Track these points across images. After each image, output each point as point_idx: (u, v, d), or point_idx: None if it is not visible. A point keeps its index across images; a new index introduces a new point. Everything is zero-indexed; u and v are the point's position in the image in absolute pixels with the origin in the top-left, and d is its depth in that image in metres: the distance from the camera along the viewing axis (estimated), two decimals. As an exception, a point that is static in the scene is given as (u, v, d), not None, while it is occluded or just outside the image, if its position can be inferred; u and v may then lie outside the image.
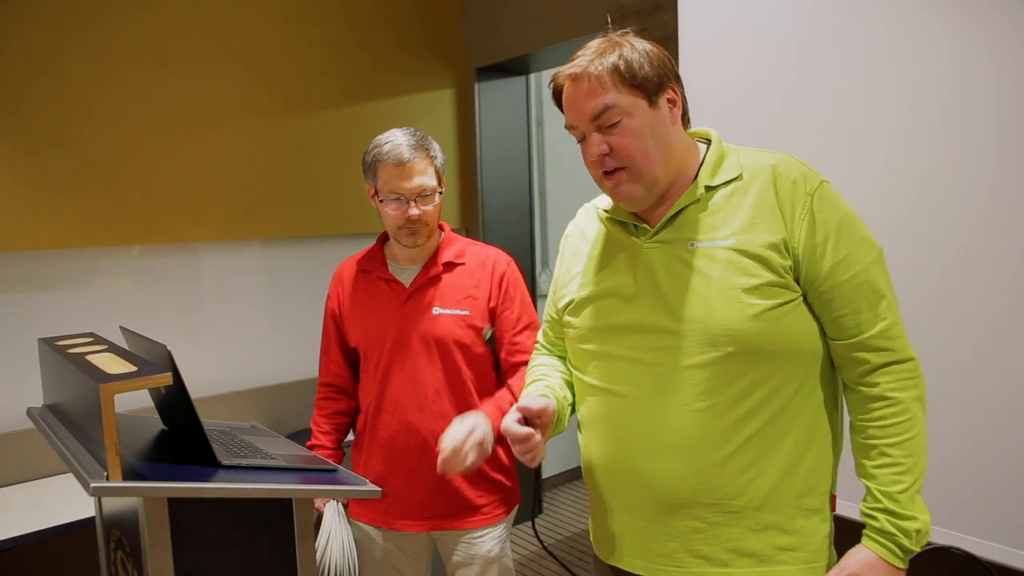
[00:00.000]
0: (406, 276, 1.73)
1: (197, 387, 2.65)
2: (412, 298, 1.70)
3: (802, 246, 1.09)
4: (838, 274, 1.09)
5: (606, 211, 1.28)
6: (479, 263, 1.74)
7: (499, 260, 1.76)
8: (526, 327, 1.74)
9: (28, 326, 2.32)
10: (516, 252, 3.74)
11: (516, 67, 3.30)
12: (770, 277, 1.09)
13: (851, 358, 1.13)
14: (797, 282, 1.11)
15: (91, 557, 1.92)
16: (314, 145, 2.86)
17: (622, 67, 1.11)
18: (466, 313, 1.69)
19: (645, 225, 1.20)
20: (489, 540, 1.75)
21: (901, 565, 1.09)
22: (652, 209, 1.19)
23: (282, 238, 2.87)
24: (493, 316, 1.72)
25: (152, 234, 2.51)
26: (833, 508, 1.19)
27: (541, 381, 1.36)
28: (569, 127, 1.18)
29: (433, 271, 1.71)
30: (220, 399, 2.71)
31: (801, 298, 1.11)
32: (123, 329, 1.43)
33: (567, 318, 1.29)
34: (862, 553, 1.09)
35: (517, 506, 1.82)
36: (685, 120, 1.20)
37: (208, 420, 1.66)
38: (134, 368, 1.12)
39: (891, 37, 1.65)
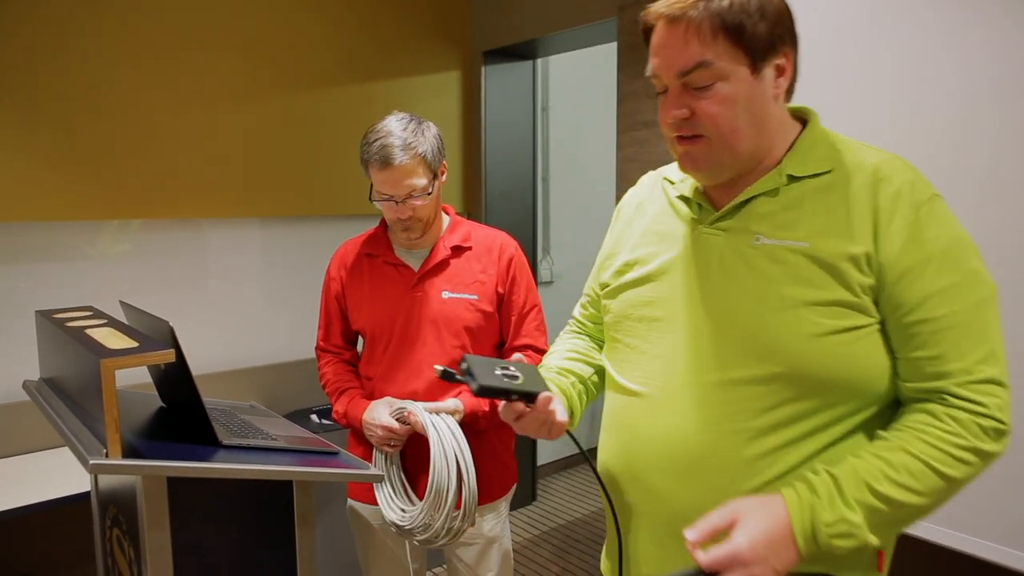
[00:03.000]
0: (413, 260, 1.71)
1: (194, 364, 2.57)
2: (421, 282, 1.68)
3: (892, 264, 0.90)
4: (932, 307, 0.90)
5: (671, 182, 1.11)
6: (486, 247, 1.72)
7: (506, 244, 1.74)
8: (530, 311, 1.74)
9: (24, 298, 2.29)
10: (518, 238, 3.66)
11: (523, 51, 3.26)
12: (841, 294, 0.91)
13: (921, 403, 0.92)
14: (877, 306, 0.92)
15: (85, 532, 1.91)
16: (316, 125, 2.83)
17: (730, 18, 0.91)
18: (475, 297, 1.67)
19: (710, 207, 1.03)
20: (489, 520, 1.74)
21: (800, 544, 0.85)
22: (723, 188, 1.02)
23: (282, 217, 2.84)
24: (500, 300, 1.70)
25: (152, 209, 2.48)
26: (880, 567, 0.98)
27: (565, 377, 1.22)
28: (651, 75, 0.99)
29: (441, 255, 1.69)
30: (218, 377, 2.68)
31: (877, 326, 0.92)
32: (123, 304, 1.40)
33: (605, 301, 1.15)
34: (765, 500, 0.87)
35: (515, 485, 1.81)
36: (789, 92, 1.00)
37: (208, 399, 1.64)
38: (136, 344, 1.10)
39: (894, 37, 1.62)
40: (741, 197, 0.99)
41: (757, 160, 0.99)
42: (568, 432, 1.08)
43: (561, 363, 1.24)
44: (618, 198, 2.57)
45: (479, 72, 3.26)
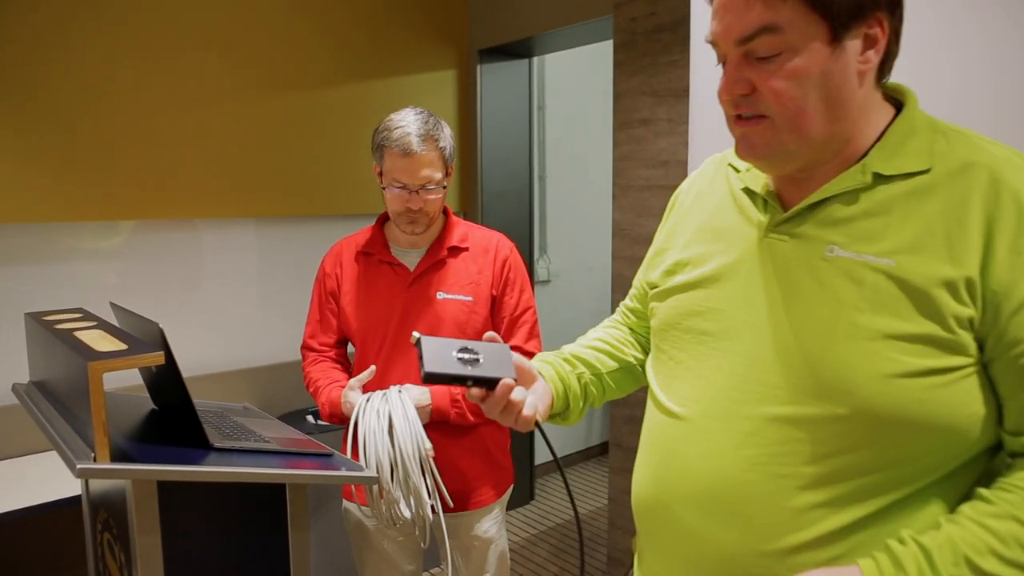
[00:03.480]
0: (410, 259, 1.69)
1: (188, 366, 2.59)
2: (417, 282, 1.67)
3: (1008, 292, 0.73)
4: None
5: (737, 170, 0.95)
6: (482, 248, 1.71)
7: (501, 245, 1.73)
8: (522, 314, 1.72)
9: (19, 300, 2.28)
10: (515, 237, 3.65)
11: (519, 50, 3.24)
12: (930, 328, 0.75)
13: None
14: (980, 346, 0.76)
15: (77, 536, 1.89)
16: (311, 125, 2.81)
17: None
18: (469, 299, 1.66)
19: (778, 206, 0.88)
20: (485, 522, 1.73)
21: None
22: (796, 184, 0.87)
23: (277, 217, 2.82)
24: (494, 302, 1.69)
25: (147, 209, 2.46)
26: None
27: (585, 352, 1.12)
28: (709, 41, 0.85)
29: (439, 255, 1.67)
30: (212, 378, 2.67)
31: (975, 367, 0.76)
32: (113, 305, 1.38)
33: (652, 304, 1.01)
34: (840, 572, 0.76)
35: (511, 486, 1.80)
36: (884, 69, 0.83)
37: (200, 400, 1.62)
38: (125, 346, 1.08)
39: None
40: (813, 197, 0.83)
41: (833, 151, 0.83)
42: (536, 424, 0.99)
43: (578, 350, 1.13)
44: (615, 197, 2.56)
45: (475, 70, 3.24)
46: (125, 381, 2.28)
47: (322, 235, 2.86)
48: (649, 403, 1.00)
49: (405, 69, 3.07)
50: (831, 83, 0.78)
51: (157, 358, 1.04)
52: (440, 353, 0.93)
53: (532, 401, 0.98)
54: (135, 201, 2.43)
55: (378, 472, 1.46)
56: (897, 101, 0.86)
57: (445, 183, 1.64)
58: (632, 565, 1.07)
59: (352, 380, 1.60)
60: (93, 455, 0.99)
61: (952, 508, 0.78)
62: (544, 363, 1.09)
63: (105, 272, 2.47)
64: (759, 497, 0.82)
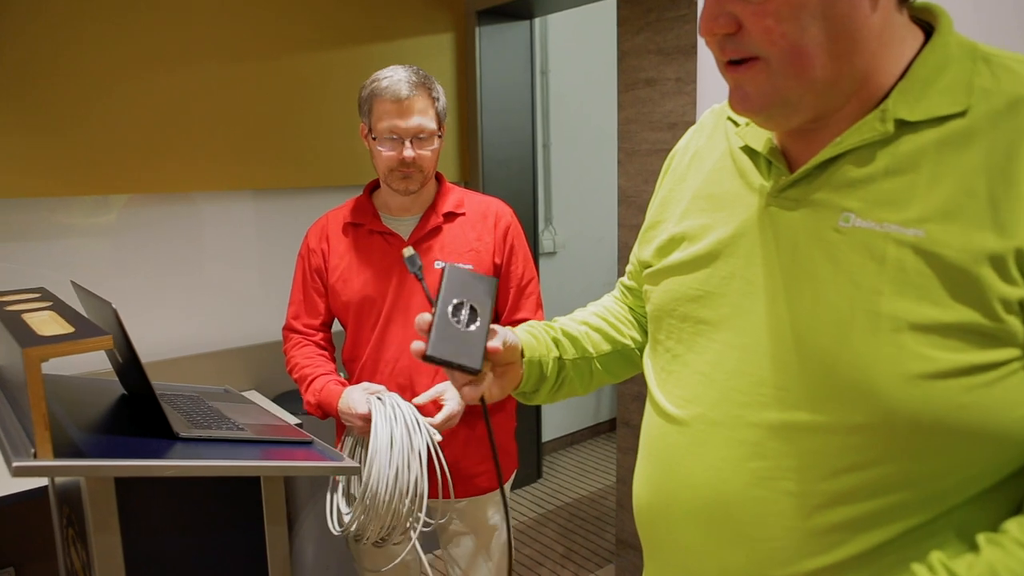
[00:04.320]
0: (403, 228, 1.58)
1: (184, 345, 2.53)
2: (405, 245, 1.56)
3: None
4: None
5: (736, 123, 0.80)
6: (480, 214, 1.60)
7: (501, 212, 1.62)
8: (528, 283, 1.64)
9: (3, 278, 2.19)
10: (518, 207, 3.55)
11: (519, 11, 3.09)
12: (971, 315, 0.60)
13: None
14: None
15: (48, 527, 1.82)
16: (302, 91, 2.68)
17: None
18: (469, 267, 1.55)
19: (783, 166, 0.72)
20: (487, 509, 1.64)
21: None
22: (803, 138, 0.71)
23: (270, 189, 2.71)
24: (498, 272, 1.58)
25: (135, 183, 2.36)
26: None
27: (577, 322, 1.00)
28: None
29: (433, 222, 1.56)
30: (208, 357, 2.58)
31: None
32: (75, 284, 1.28)
33: (646, 286, 0.87)
34: None
35: (515, 471, 1.71)
36: None
37: (174, 384, 1.54)
38: (71, 330, 0.98)
39: None
40: (823, 155, 0.67)
41: (847, 93, 0.66)
42: (482, 400, 0.87)
43: (570, 327, 0.99)
44: (620, 162, 2.43)
45: (473, 33, 3.09)
46: (101, 365, 2.21)
47: (319, 207, 2.75)
48: (647, 401, 0.87)
49: (398, 32, 2.93)
50: (835, 10, 0.62)
51: (104, 342, 0.94)
52: (445, 331, 0.80)
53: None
54: (124, 174, 2.32)
55: (371, 500, 1.40)
56: (927, 25, 0.69)
57: (439, 134, 1.54)
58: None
59: (358, 392, 1.50)
60: (33, 451, 0.90)
61: (994, 527, 0.65)
62: (531, 338, 0.94)
63: (97, 248, 2.38)
64: (769, 517, 0.69)
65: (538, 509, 3.26)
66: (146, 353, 2.43)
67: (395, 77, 1.50)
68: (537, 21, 3.34)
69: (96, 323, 1.08)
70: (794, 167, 0.72)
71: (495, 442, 1.63)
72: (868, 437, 0.63)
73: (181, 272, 2.55)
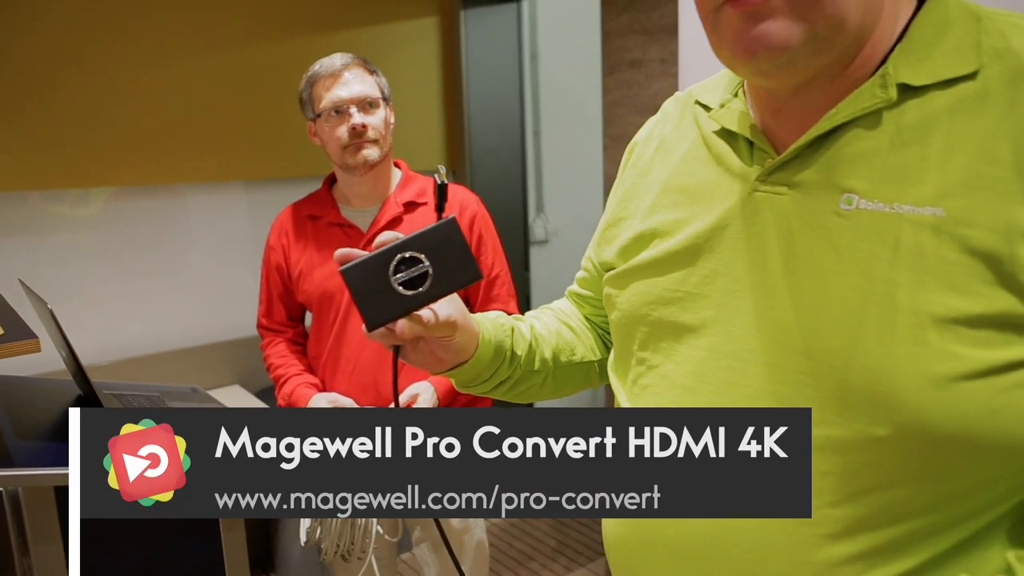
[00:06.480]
0: (362, 219, 1.53)
1: (171, 339, 2.49)
2: (371, 243, 1.50)
3: None
4: None
5: (707, 107, 0.72)
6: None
7: (467, 201, 1.56)
8: (499, 274, 1.59)
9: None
10: (508, 196, 3.51)
11: (506, -8, 3.02)
12: (1004, 302, 0.52)
13: None
14: None
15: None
16: (281, 80, 2.61)
17: None
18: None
19: (768, 147, 0.64)
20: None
21: None
22: (787, 114, 0.63)
23: (261, 180, 2.66)
24: None
25: (120, 175, 2.32)
26: None
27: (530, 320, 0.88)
28: None
29: (393, 211, 1.51)
30: (193, 352, 2.54)
31: None
32: (22, 283, 1.23)
33: (608, 290, 0.77)
34: None
35: None
36: None
37: (138, 384, 1.48)
38: (1, 332, 0.93)
39: None
40: (816, 129, 0.59)
41: (849, 55, 0.58)
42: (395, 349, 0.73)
43: (540, 329, 0.85)
44: (606, 147, 2.36)
45: (457, 17, 3.02)
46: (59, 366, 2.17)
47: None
48: None
49: (381, 16, 2.86)
50: None
51: (31, 346, 0.89)
52: (373, 288, 0.67)
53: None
54: (109, 167, 2.29)
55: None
56: None
57: (386, 100, 1.53)
58: None
59: (320, 396, 1.47)
60: (-45, 462, 0.85)
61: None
62: (499, 330, 0.80)
63: (81, 243, 2.34)
64: (771, 552, 0.59)
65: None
66: (128, 350, 2.40)
67: (327, 59, 1.52)
68: (525, 3, 3.27)
69: (45, 324, 1.03)
70: (780, 149, 0.64)
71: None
72: (888, 452, 0.55)
73: (167, 267, 2.52)
